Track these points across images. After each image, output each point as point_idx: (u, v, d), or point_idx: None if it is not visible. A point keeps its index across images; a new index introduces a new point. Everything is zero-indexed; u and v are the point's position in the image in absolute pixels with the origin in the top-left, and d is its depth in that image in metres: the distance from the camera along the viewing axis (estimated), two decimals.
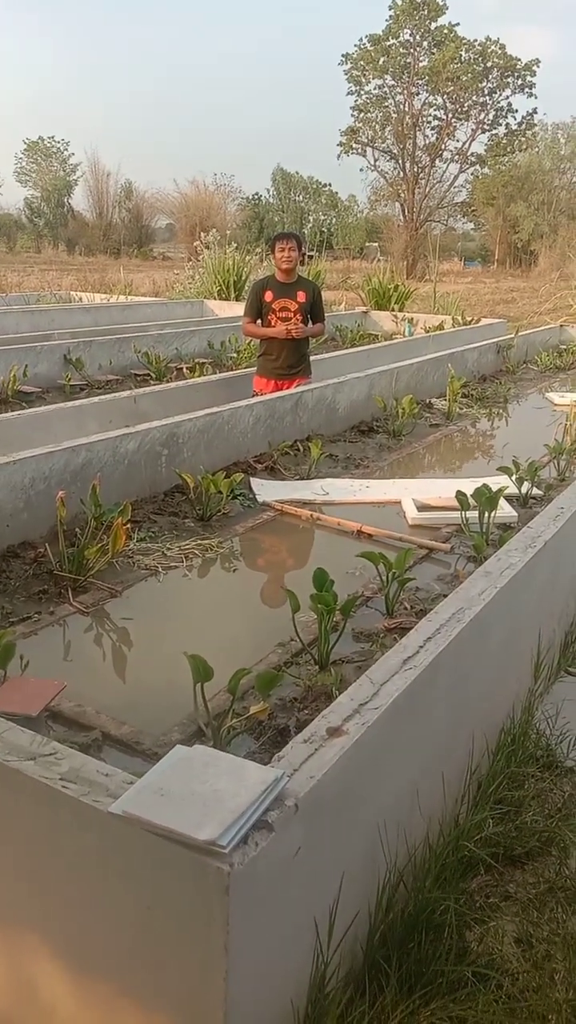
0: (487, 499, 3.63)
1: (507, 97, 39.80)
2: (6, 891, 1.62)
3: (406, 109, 39.78)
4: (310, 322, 5.97)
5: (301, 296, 5.82)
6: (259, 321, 5.88)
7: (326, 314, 6.55)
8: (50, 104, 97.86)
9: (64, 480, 3.61)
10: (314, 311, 5.96)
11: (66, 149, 52.72)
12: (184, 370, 7.91)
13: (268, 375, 5.97)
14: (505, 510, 3.91)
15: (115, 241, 41.99)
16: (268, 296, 5.80)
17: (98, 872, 1.47)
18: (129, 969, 1.48)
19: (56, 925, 1.56)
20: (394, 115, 39.99)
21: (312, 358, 6.39)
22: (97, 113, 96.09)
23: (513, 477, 4.23)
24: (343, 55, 40.00)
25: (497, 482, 4.03)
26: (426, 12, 38.49)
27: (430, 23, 38.68)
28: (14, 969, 1.62)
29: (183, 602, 3.15)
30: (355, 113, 40.57)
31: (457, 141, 40.44)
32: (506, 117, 40.36)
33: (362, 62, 39.52)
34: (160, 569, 3.32)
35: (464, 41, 38.39)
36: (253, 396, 5.70)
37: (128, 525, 3.31)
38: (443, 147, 40.27)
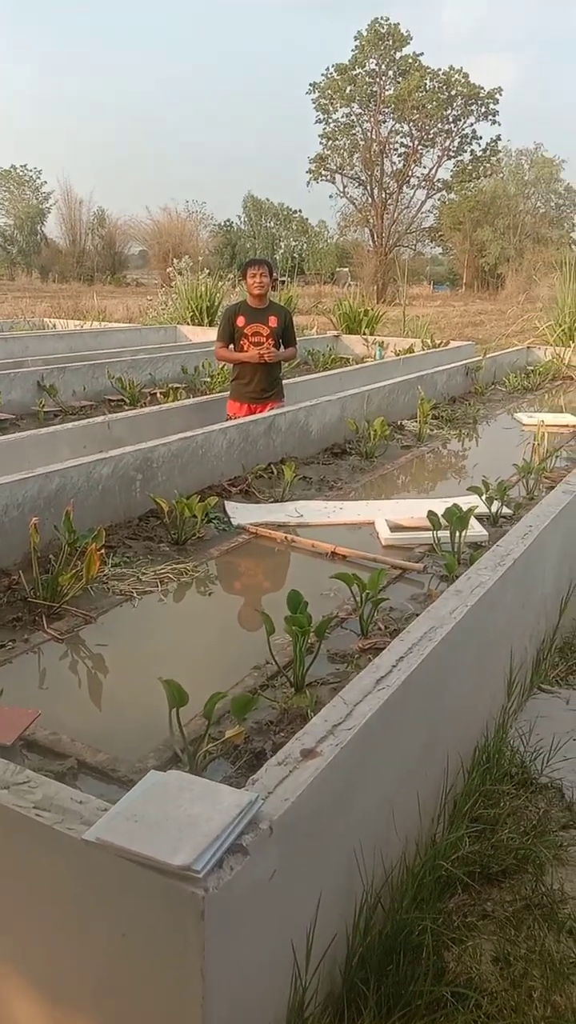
0: (458, 519, 3.67)
1: (471, 124, 40.70)
2: None
3: (373, 136, 40.49)
4: (282, 346, 6.03)
5: (273, 321, 5.89)
6: (232, 346, 5.94)
7: (298, 338, 6.61)
8: (21, 131, 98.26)
9: (37, 506, 3.61)
10: (286, 335, 6.03)
11: (38, 177, 52.97)
12: (158, 395, 7.93)
13: (241, 399, 6.01)
14: (476, 529, 3.95)
15: (88, 268, 42.12)
16: (240, 321, 5.86)
17: (72, 900, 1.47)
18: (105, 996, 1.46)
19: (29, 954, 1.54)
20: (362, 142, 40.68)
21: (285, 382, 6.45)
22: (69, 140, 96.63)
23: (483, 497, 4.28)
24: (311, 84, 40.79)
25: (468, 502, 4.08)
26: (391, 42, 39.32)
27: (395, 53, 39.51)
28: None
29: (158, 627, 3.14)
30: (323, 141, 41.23)
31: (424, 167, 41.23)
32: (471, 144, 41.20)
33: (329, 91, 40.23)
34: (135, 594, 3.32)
35: (428, 70, 39.23)
36: (227, 420, 5.73)
37: (102, 550, 3.31)
38: (410, 173, 41.00)
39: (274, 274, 6.30)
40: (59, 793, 1.54)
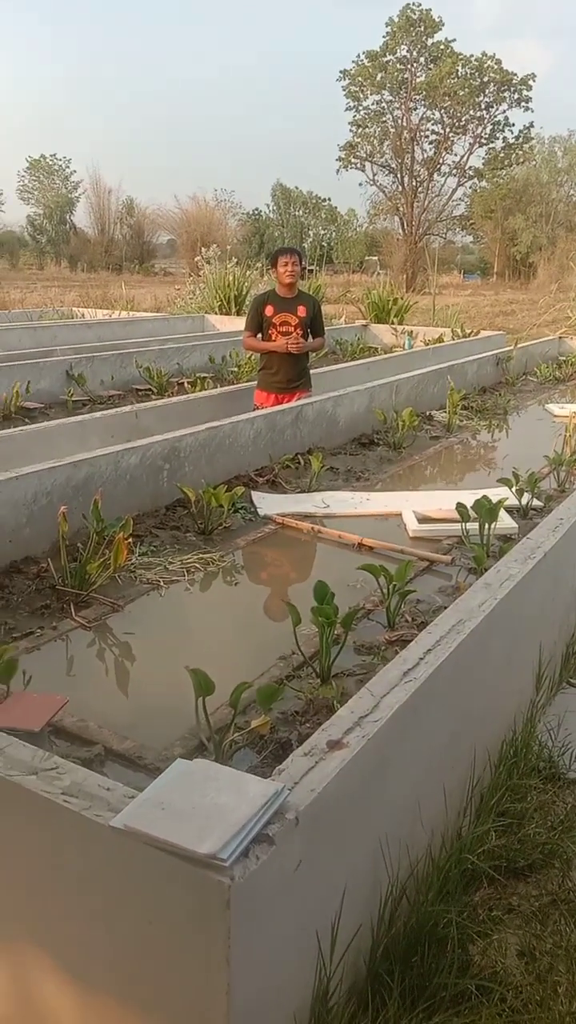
0: (487, 511, 3.64)
1: (504, 111, 40.23)
2: (7, 905, 1.62)
3: (404, 124, 40.11)
4: (310, 336, 6.00)
5: (301, 310, 5.85)
6: (260, 335, 5.92)
7: (326, 328, 6.58)
8: (51, 120, 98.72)
9: (66, 495, 3.63)
10: (314, 325, 6.00)
11: (68, 167, 53.22)
12: (185, 385, 7.94)
13: (269, 389, 6.00)
14: (505, 522, 3.92)
15: (117, 257, 42.25)
16: (269, 311, 5.83)
17: (100, 886, 1.48)
18: (131, 983, 1.48)
19: (57, 939, 1.56)
20: (392, 130, 40.33)
21: (312, 371, 6.42)
22: (98, 129, 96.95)
23: (513, 489, 4.24)
24: (341, 71, 40.43)
25: (497, 494, 4.04)
26: (423, 28, 38.88)
27: (427, 39, 39.07)
28: (16, 983, 1.62)
29: (185, 616, 3.15)
30: (353, 128, 40.93)
31: (455, 155, 40.82)
32: (503, 131, 40.72)
33: (360, 78, 39.88)
34: (162, 583, 3.33)
35: (460, 56, 38.76)
36: (254, 410, 5.73)
37: (130, 539, 3.33)
38: (441, 161, 40.59)
39: (303, 263, 6.27)
40: (87, 780, 1.55)
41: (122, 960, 1.48)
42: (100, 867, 1.47)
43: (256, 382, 6.27)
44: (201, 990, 1.39)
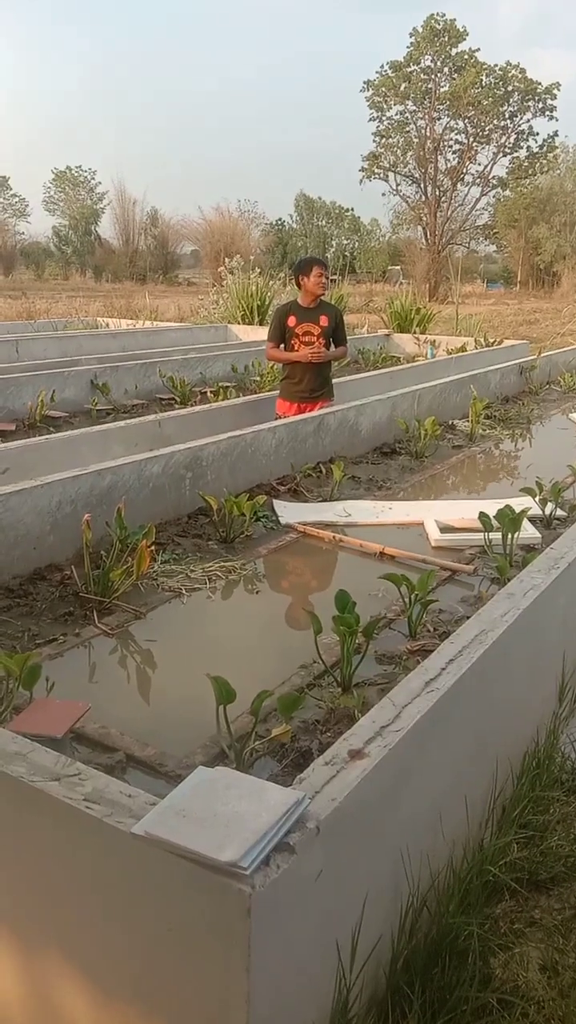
0: (510, 520, 3.62)
1: (528, 120, 40.12)
2: (29, 910, 1.63)
3: (427, 134, 40.15)
4: (332, 346, 6.01)
5: (324, 320, 5.86)
6: (283, 346, 5.94)
7: (348, 337, 6.60)
8: (71, 131, 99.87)
9: (90, 503, 3.66)
10: (336, 335, 6.00)
11: (93, 178, 53.81)
12: (208, 394, 7.98)
13: (291, 398, 6.01)
14: (528, 531, 3.89)
15: (141, 268, 42.56)
16: (291, 321, 5.85)
17: (120, 892, 1.48)
18: (151, 990, 1.48)
19: (78, 945, 1.57)
20: (415, 140, 40.36)
21: (334, 381, 6.43)
22: (121, 140, 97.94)
23: (536, 498, 4.21)
24: (365, 82, 40.57)
25: (520, 503, 4.02)
26: (447, 38, 38.92)
27: (451, 49, 39.09)
28: (36, 987, 1.63)
29: (206, 624, 3.16)
30: (377, 139, 41.01)
31: (479, 164, 40.77)
32: (527, 140, 40.62)
33: (383, 88, 39.98)
34: (184, 591, 3.35)
35: (485, 66, 38.74)
36: (276, 419, 5.74)
37: (152, 547, 3.35)
38: (465, 171, 40.58)
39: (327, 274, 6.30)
40: (109, 786, 1.56)
41: (141, 967, 1.48)
42: (120, 873, 1.47)
43: (278, 391, 6.29)
44: (220, 998, 1.39)
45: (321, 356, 5.83)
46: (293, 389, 5.99)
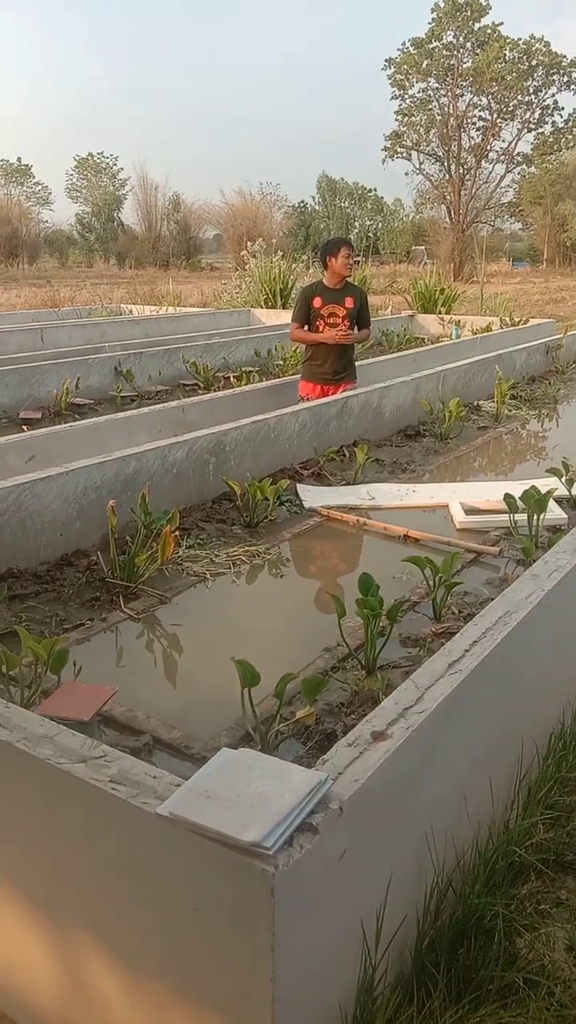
0: (536, 501, 3.59)
1: (553, 95, 39.32)
2: (58, 891, 1.66)
3: (450, 111, 39.55)
4: (356, 328, 5.97)
5: (349, 302, 5.81)
6: (307, 327, 5.90)
7: (373, 319, 6.55)
8: (92, 118, 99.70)
9: (115, 489, 3.69)
10: (361, 316, 5.94)
11: (115, 164, 53.73)
12: (231, 379, 7.98)
13: (315, 380, 5.97)
14: (555, 512, 3.86)
15: (164, 253, 42.53)
16: (317, 302, 5.79)
17: (146, 873, 1.51)
18: (178, 969, 1.50)
19: (106, 925, 1.60)
20: (438, 117, 39.79)
21: (358, 363, 6.38)
22: (144, 127, 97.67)
23: (563, 479, 4.17)
24: (386, 60, 39.97)
25: (546, 484, 3.98)
26: (469, 13, 38.24)
27: (473, 24, 38.41)
28: (68, 968, 1.66)
29: (231, 608, 3.18)
30: (399, 117, 40.48)
31: (503, 141, 40.08)
32: (552, 115, 39.86)
33: (405, 66, 39.41)
34: (208, 575, 3.37)
35: (508, 40, 38.02)
36: (300, 401, 5.75)
37: (177, 532, 3.37)
38: (489, 148, 39.92)
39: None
40: (134, 768, 1.58)
41: (168, 946, 1.51)
42: (147, 854, 1.50)
43: (301, 373, 6.26)
44: (246, 977, 1.41)
45: (348, 337, 5.79)
46: (317, 371, 5.95)
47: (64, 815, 1.62)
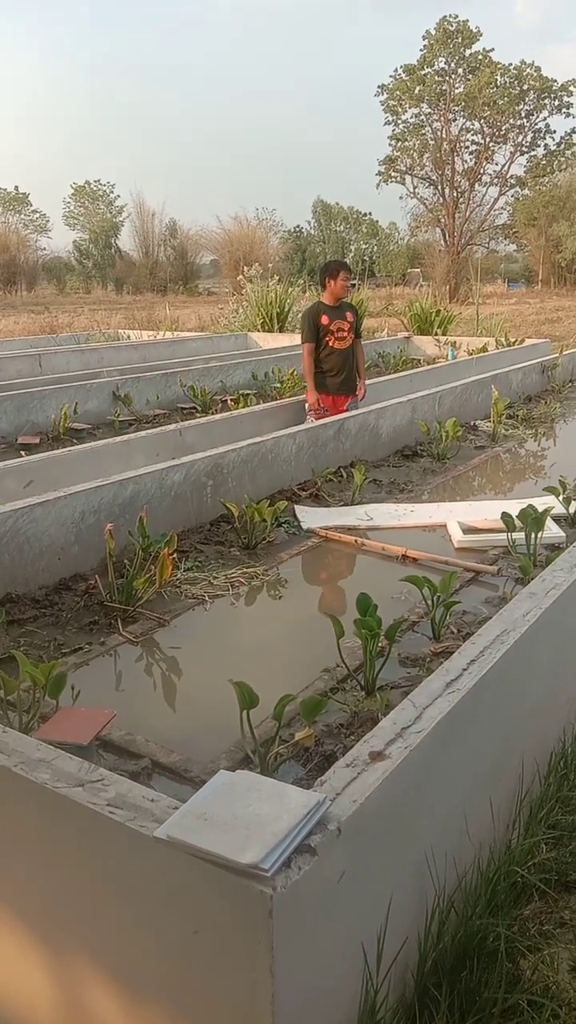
0: (533, 520, 3.60)
1: (545, 118, 39.83)
2: (57, 914, 1.65)
3: (443, 136, 40.03)
4: (355, 335, 6.45)
5: (349, 316, 6.39)
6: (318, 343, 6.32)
7: (367, 341, 6.91)
8: (94, 144, 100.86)
9: (113, 513, 3.70)
10: (356, 328, 6.50)
11: (112, 191, 54.26)
12: (229, 402, 8.02)
13: (329, 391, 6.35)
14: (552, 530, 3.87)
15: (161, 279, 42.84)
16: (324, 320, 6.27)
17: (145, 896, 1.50)
18: (178, 992, 1.49)
19: (105, 949, 1.58)
20: (431, 142, 40.26)
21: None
22: (142, 152, 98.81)
23: (560, 497, 4.18)
24: (379, 86, 40.53)
25: (544, 502, 3.99)
26: (460, 40, 38.83)
27: (464, 50, 39.00)
28: (65, 990, 1.64)
29: (230, 630, 3.18)
30: (393, 142, 40.97)
31: (496, 164, 40.54)
32: (544, 138, 40.34)
33: (398, 92, 39.96)
34: (207, 598, 3.37)
35: (499, 66, 38.58)
36: (313, 411, 6.19)
37: (175, 555, 3.38)
38: (482, 171, 40.37)
39: None
40: (131, 791, 1.58)
41: (168, 969, 1.50)
42: (145, 877, 1.49)
43: (299, 396, 6.44)
44: (246, 999, 1.39)
45: (363, 390, 6.48)
46: (332, 382, 6.36)
47: (62, 839, 1.62)
